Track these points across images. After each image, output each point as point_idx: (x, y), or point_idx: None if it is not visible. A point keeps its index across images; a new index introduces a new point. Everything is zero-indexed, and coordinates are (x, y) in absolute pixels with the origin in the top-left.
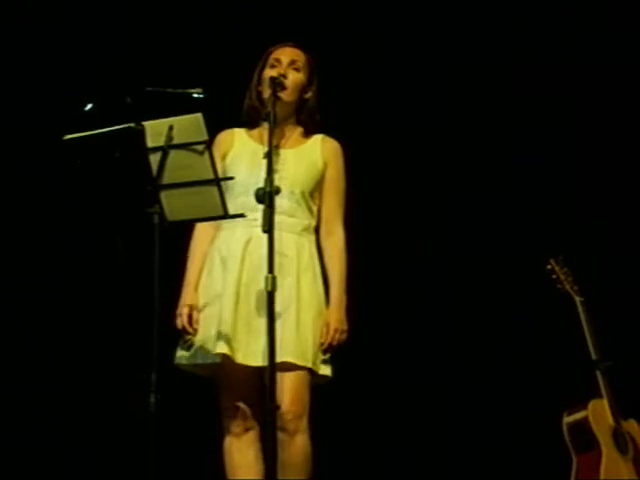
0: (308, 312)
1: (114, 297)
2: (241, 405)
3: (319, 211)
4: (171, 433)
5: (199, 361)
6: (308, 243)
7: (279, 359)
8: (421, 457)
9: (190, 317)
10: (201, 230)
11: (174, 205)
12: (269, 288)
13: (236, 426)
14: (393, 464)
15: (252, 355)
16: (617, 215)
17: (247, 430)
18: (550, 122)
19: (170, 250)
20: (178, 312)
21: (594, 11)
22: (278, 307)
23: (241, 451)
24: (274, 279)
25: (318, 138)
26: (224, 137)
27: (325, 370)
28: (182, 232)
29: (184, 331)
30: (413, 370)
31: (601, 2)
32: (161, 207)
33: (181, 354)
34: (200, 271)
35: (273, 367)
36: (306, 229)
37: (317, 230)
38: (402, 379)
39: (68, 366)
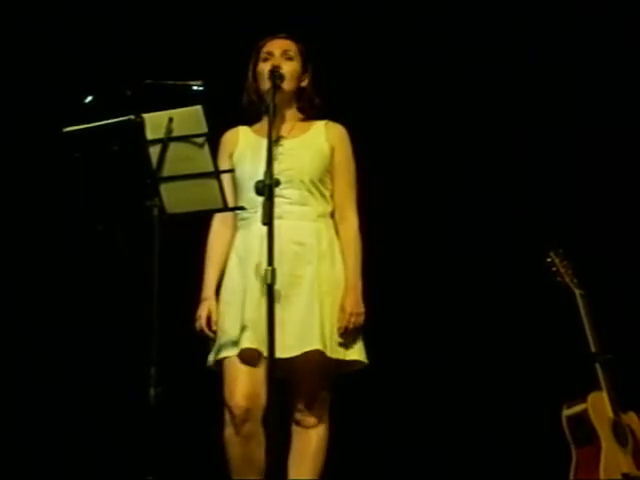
0: (327, 299)
1: (114, 290)
2: (244, 396)
3: (333, 196)
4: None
5: (218, 357)
6: (326, 229)
7: (307, 348)
8: (419, 451)
9: (209, 320)
10: (216, 232)
11: (174, 198)
12: (268, 281)
13: (236, 417)
14: (390, 459)
15: (279, 348)
16: (617, 208)
17: (245, 421)
18: (550, 118)
19: (174, 244)
20: (197, 315)
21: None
22: (300, 297)
23: (240, 445)
24: (274, 271)
25: (321, 124)
26: (229, 136)
27: (352, 355)
28: (189, 228)
29: (202, 333)
30: (411, 359)
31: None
32: (161, 200)
33: (209, 356)
34: (218, 272)
35: (273, 359)
36: (322, 215)
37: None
38: (397, 368)
39: (69, 360)
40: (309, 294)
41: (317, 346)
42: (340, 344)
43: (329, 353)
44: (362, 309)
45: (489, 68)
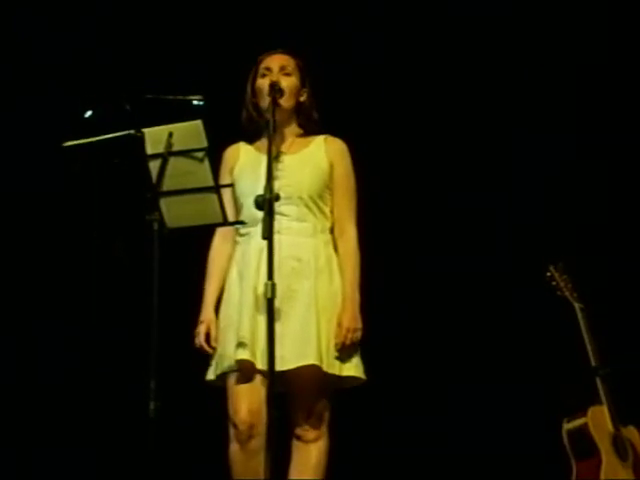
0: (324, 315)
1: (115, 303)
2: (249, 412)
3: (332, 211)
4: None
5: (219, 371)
6: (324, 245)
7: (302, 362)
8: (420, 463)
9: (208, 336)
10: (216, 248)
11: (174, 212)
12: (269, 295)
13: (241, 434)
14: (390, 472)
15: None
16: (616, 221)
17: (250, 437)
18: (550, 126)
19: (175, 258)
20: (195, 331)
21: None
22: (296, 311)
23: (245, 460)
24: (273, 286)
25: (321, 139)
26: (230, 152)
27: (348, 371)
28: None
29: (201, 350)
30: (411, 375)
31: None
32: (161, 214)
33: (208, 371)
34: (218, 289)
35: (273, 371)
36: (321, 231)
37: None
38: (399, 381)
39: (69, 373)
40: (305, 309)
41: (313, 361)
42: (337, 359)
43: (325, 368)
44: (359, 325)
45: (489, 66)
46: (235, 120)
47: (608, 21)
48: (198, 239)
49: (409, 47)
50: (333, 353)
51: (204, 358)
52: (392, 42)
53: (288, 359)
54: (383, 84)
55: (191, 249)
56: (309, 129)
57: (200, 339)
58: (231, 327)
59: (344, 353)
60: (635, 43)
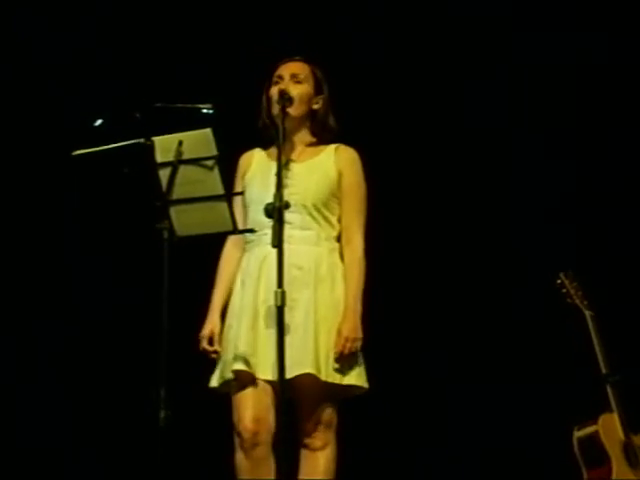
0: (324, 324)
1: (125, 310)
2: (253, 420)
3: (340, 220)
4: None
5: (222, 380)
6: (328, 253)
7: (298, 372)
8: (428, 472)
9: (211, 340)
10: (227, 254)
11: (184, 220)
12: (278, 303)
13: (245, 442)
14: (398, 476)
15: (272, 370)
16: (628, 229)
17: (255, 445)
18: (550, 126)
19: (185, 266)
20: (199, 335)
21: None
22: (296, 320)
23: (251, 469)
24: (283, 294)
25: (332, 148)
26: (244, 158)
27: (350, 380)
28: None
29: (205, 353)
30: (420, 384)
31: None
32: (171, 222)
33: (212, 377)
34: (225, 294)
35: (283, 380)
36: (325, 239)
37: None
38: (407, 391)
39: (79, 383)
40: (304, 318)
41: (309, 370)
42: (337, 369)
43: (323, 377)
44: (359, 335)
45: (491, 73)
46: (246, 127)
47: (608, 21)
48: (208, 247)
49: (409, 47)
50: (333, 363)
51: (214, 366)
52: (392, 42)
53: (287, 368)
54: (383, 84)
55: (201, 257)
56: (323, 137)
57: (203, 343)
58: (232, 336)
59: (344, 362)
60: (635, 43)
